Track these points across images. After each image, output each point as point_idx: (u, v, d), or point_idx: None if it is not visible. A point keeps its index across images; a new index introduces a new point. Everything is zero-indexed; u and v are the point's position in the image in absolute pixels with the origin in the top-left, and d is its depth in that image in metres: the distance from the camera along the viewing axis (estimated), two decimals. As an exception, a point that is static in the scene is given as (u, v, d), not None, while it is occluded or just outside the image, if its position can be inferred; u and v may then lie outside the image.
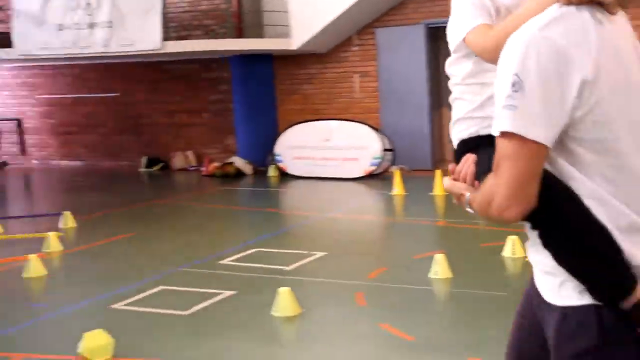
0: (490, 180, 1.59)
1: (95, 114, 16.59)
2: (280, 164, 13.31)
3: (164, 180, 14.28)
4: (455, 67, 2.43)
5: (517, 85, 1.51)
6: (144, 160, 15.72)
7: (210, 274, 6.24)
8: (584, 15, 1.56)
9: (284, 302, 4.96)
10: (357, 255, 6.90)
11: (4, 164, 16.15)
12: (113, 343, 4.22)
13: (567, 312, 1.61)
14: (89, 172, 15.41)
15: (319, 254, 6.78)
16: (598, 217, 1.57)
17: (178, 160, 15.42)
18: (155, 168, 15.48)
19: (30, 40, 14.51)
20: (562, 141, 1.57)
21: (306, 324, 4.96)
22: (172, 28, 14.44)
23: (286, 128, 13.50)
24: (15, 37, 14.72)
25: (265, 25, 13.95)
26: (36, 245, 7.25)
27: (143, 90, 16.00)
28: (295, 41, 12.83)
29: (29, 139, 17.35)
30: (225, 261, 6.65)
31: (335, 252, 6.92)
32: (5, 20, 15.73)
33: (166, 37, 13.69)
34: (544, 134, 1.52)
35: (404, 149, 12.05)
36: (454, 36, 2.38)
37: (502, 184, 1.56)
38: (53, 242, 7.28)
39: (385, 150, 11.75)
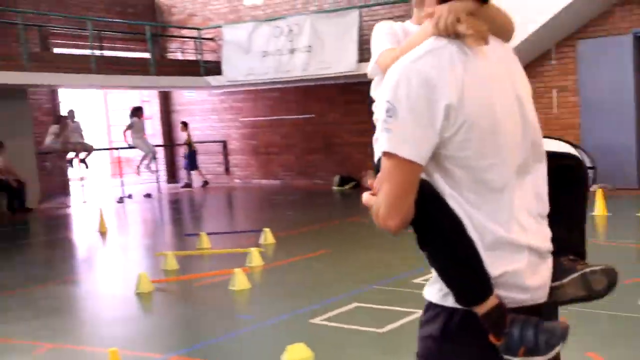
0: (378, 194, 1.79)
1: (292, 135, 17.37)
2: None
3: (356, 198, 14.57)
4: (376, 91, 2.71)
5: (391, 112, 1.73)
6: (336, 179, 16.19)
7: (404, 292, 6.26)
8: (453, 48, 1.77)
9: (480, 325, 4.84)
10: (557, 278, 6.57)
11: (206, 183, 17.35)
12: (313, 357, 4.37)
13: (430, 306, 1.87)
14: (285, 191, 16.14)
15: (516, 276, 6.56)
16: (467, 227, 1.75)
17: (369, 179, 15.67)
18: (347, 187, 15.87)
19: (237, 67, 15.60)
20: (437, 159, 1.77)
21: (503, 348, 4.81)
22: (367, 50, 14.77)
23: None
24: (224, 65, 15.91)
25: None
26: (240, 260, 7.72)
27: (336, 111, 16.52)
28: (490, 57, 12.62)
29: (233, 160, 18.56)
30: (419, 280, 6.62)
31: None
32: (217, 51, 17.07)
33: (361, 59, 14.07)
34: (415, 153, 1.72)
35: (606, 167, 11.33)
36: (371, 60, 2.70)
37: (383, 197, 1.75)
38: (255, 257, 7.71)
39: (587, 168, 11.13)
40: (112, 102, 20.20)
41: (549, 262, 1.84)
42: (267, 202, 14.58)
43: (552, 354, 1.75)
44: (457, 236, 1.74)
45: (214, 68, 16.38)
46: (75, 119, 15.35)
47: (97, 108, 19.88)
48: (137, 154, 16.64)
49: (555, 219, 1.89)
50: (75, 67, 13.88)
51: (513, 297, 1.77)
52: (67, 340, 5.44)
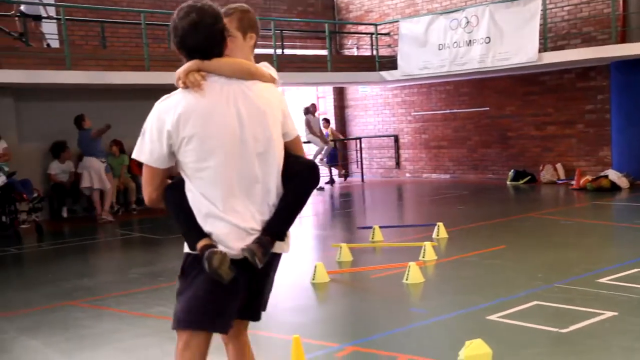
0: None
1: (464, 128, 17.07)
2: (665, 178, 12.16)
3: (531, 193, 14.05)
4: None
5: (142, 133, 2.89)
6: (510, 173, 15.68)
7: (588, 292, 5.94)
8: (180, 94, 2.85)
9: (677, 331, 4.49)
10: None
11: (332, 181, 17.22)
12: (491, 354, 4.26)
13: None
14: (456, 185, 15.89)
15: None
16: (191, 203, 2.87)
17: (546, 173, 15.05)
18: (522, 181, 15.32)
19: (412, 61, 15.57)
20: (179, 163, 2.88)
21: (703, 358, 4.42)
22: (550, 38, 14.16)
23: (673, 139, 12.29)
24: (399, 60, 15.95)
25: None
26: (412, 254, 7.71)
27: (513, 104, 16.00)
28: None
29: (404, 154, 18.56)
30: (604, 280, 6.27)
31: None
32: (392, 45, 17.15)
33: (542, 48, 13.51)
34: (147, 158, 2.88)
35: None
36: None
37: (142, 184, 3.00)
38: (428, 251, 7.65)
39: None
40: (287, 98, 20.95)
41: (254, 236, 2.88)
42: (438, 196, 14.43)
43: (212, 273, 2.79)
44: (181, 210, 2.89)
45: (389, 63, 16.47)
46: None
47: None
48: (311, 148, 17.11)
49: (277, 207, 2.94)
50: (259, 66, 14.53)
51: (222, 249, 2.83)
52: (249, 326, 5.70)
